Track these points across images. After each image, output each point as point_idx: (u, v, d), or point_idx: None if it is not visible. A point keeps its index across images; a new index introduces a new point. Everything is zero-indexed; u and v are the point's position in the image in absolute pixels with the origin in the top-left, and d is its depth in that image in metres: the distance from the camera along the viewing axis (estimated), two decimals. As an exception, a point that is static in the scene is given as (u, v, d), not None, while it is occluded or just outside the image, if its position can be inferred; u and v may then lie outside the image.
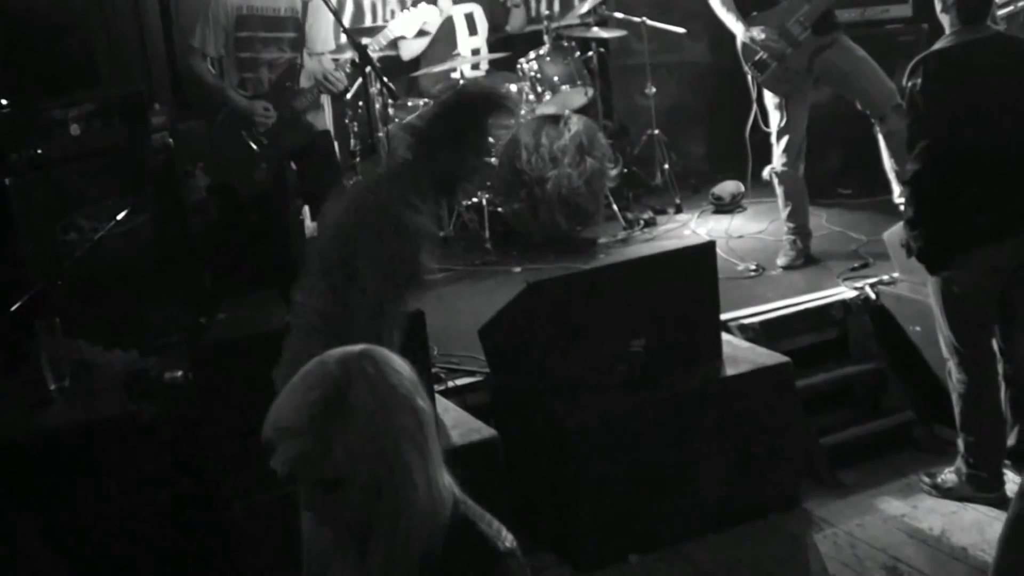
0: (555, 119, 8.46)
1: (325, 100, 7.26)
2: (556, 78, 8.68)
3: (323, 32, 6.90)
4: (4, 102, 6.57)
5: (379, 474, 2.28)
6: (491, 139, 3.48)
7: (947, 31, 5.39)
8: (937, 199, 5.31)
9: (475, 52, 9.28)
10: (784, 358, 5.92)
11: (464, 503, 2.44)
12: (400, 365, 2.38)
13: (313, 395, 2.28)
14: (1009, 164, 5.29)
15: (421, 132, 3.68)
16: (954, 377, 5.60)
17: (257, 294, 7.69)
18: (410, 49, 9.16)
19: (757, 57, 7.36)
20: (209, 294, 7.28)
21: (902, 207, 7.09)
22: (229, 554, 4.89)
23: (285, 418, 2.28)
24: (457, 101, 3.63)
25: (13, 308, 5.82)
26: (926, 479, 5.86)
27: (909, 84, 5.31)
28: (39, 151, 6.44)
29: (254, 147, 6.71)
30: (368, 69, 6.59)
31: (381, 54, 7.93)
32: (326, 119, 7.14)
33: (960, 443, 5.68)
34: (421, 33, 8.95)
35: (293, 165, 7.15)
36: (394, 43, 8.91)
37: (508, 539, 2.42)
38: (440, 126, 3.64)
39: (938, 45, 5.39)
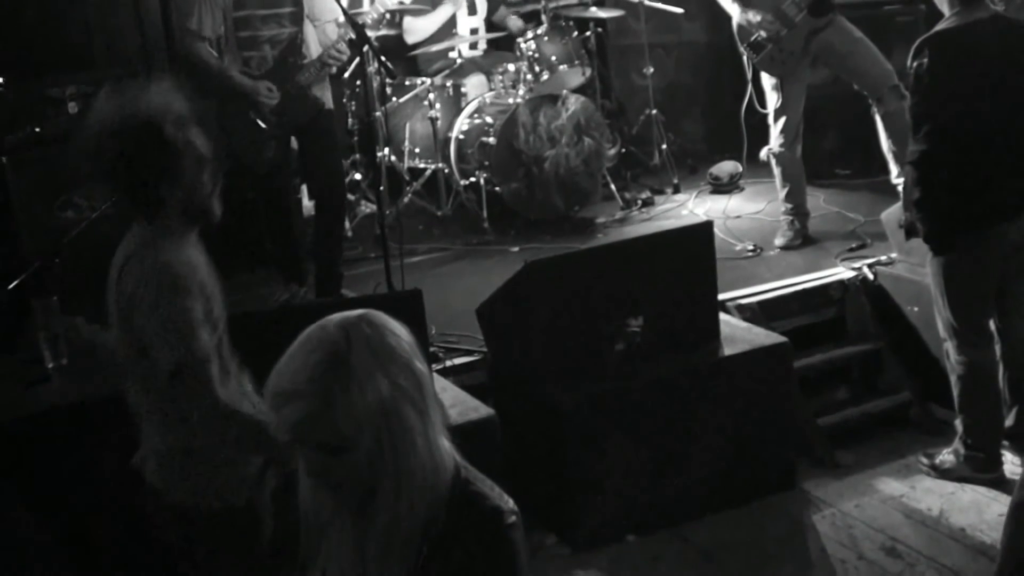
0: (553, 99, 8.45)
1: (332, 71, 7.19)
2: (554, 58, 8.68)
3: (327, 1, 6.84)
4: (1, 81, 6.55)
5: (380, 436, 2.28)
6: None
7: (947, 13, 5.37)
8: (943, 180, 5.30)
9: (473, 32, 9.28)
10: (782, 338, 5.92)
11: (465, 468, 2.46)
12: (399, 329, 2.39)
13: (314, 358, 2.29)
14: (1011, 145, 5.29)
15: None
16: (952, 358, 5.60)
17: (254, 272, 7.72)
18: (415, 32, 9.14)
19: (753, 38, 7.35)
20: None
21: (900, 188, 7.11)
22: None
23: (286, 382, 2.29)
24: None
25: (10, 286, 5.80)
26: (924, 460, 5.87)
27: (914, 64, 5.28)
28: (36, 130, 6.43)
29: (263, 126, 6.68)
30: (366, 48, 6.56)
31: (380, 34, 7.91)
32: (331, 96, 7.09)
33: (958, 424, 5.68)
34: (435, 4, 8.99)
35: (295, 142, 7.12)
36: (399, 21, 8.91)
37: (510, 502, 2.44)
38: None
39: (941, 26, 5.36)
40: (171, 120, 3.51)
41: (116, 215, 3.66)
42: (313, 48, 6.83)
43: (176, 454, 3.64)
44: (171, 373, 3.48)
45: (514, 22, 9.36)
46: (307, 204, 8.22)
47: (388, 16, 7.40)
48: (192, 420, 3.57)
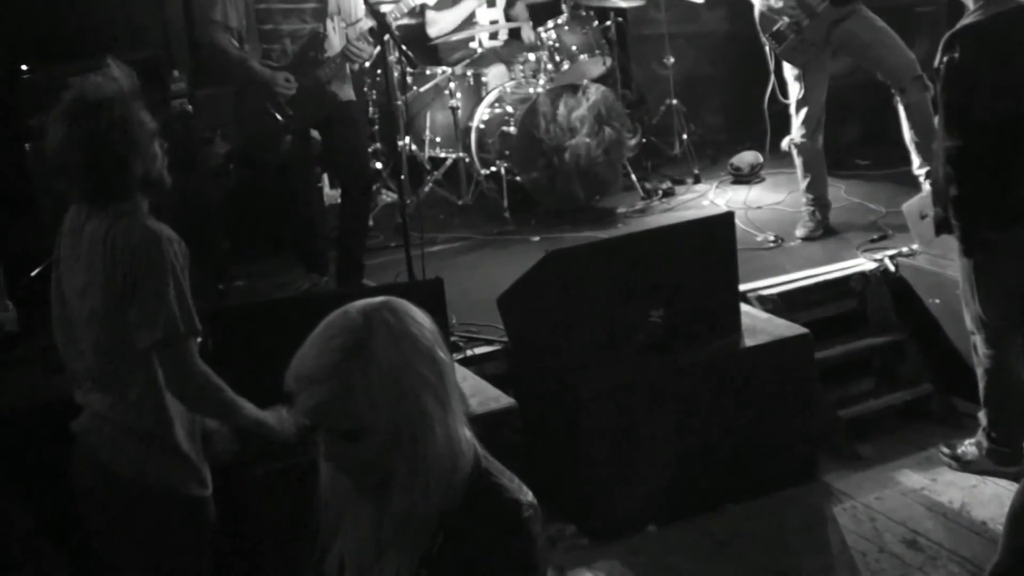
0: (573, 88, 8.44)
1: (355, 68, 7.21)
2: (574, 47, 8.67)
3: (354, 1, 6.85)
4: (24, 68, 6.57)
5: (398, 423, 2.28)
6: None
7: (971, 6, 5.33)
8: (980, 177, 5.25)
9: (493, 23, 9.29)
10: (803, 329, 5.91)
11: (486, 458, 2.45)
12: (421, 317, 2.38)
13: (334, 343, 2.29)
14: None
15: None
16: (980, 352, 5.55)
17: (275, 260, 7.73)
18: (437, 24, 9.15)
19: (775, 28, 7.31)
20: (227, 260, 7.29)
21: (922, 179, 7.09)
22: (247, 520, 4.89)
23: (307, 367, 2.29)
24: None
25: (33, 274, 5.82)
26: (946, 450, 5.85)
27: (945, 59, 5.22)
28: (59, 117, 6.43)
29: (279, 118, 6.68)
30: (387, 37, 6.55)
31: (400, 23, 7.92)
32: (351, 89, 7.09)
33: (982, 417, 5.66)
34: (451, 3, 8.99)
35: (317, 134, 7.12)
36: (421, 11, 8.91)
37: (528, 495, 2.43)
38: None
39: (969, 19, 5.29)
40: (116, 97, 3.65)
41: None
42: (336, 45, 6.83)
43: (135, 428, 3.67)
44: (160, 342, 3.54)
45: (520, 10, 9.43)
46: (329, 193, 8.23)
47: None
48: (159, 393, 3.64)
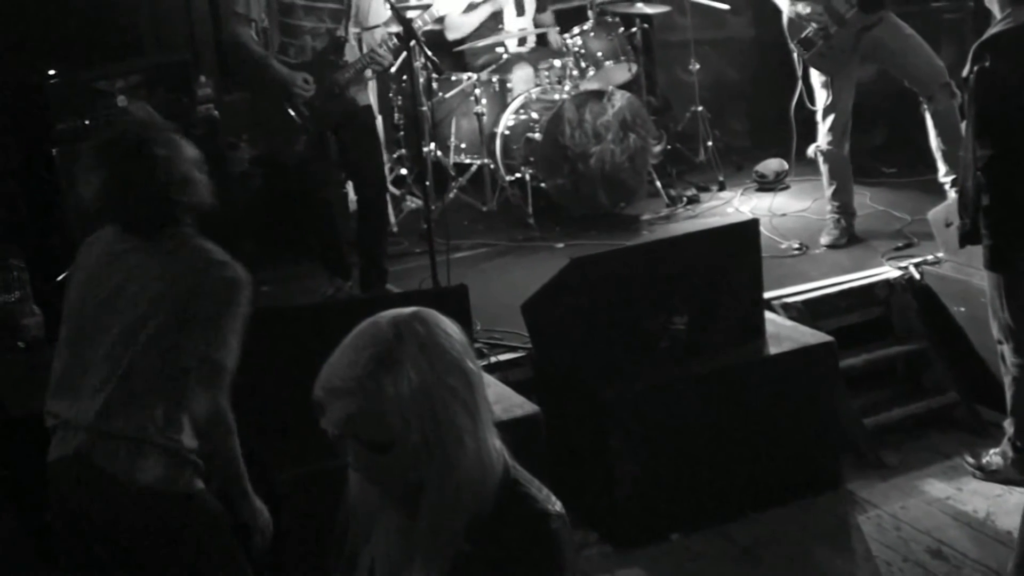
0: (598, 95, 8.44)
1: (369, 76, 7.22)
2: (600, 54, 8.68)
3: (376, 4, 6.87)
4: (52, 73, 6.60)
5: (428, 435, 2.28)
6: None
7: (998, 15, 5.29)
8: (1011, 184, 5.20)
9: (521, 31, 9.29)
10: (828, 337, 5.89)
11: (515, 468, 2.45)
12: (451, 328, 2.38)
13: (364, 354, 2.28)
14: None
15: None
16: (1008, 361, 5.49)
17: (299, 265, 7.75)
18: (457, 29, 9.15)
19: (803, 34, 7.30)
20: (252, 265, 7.30)
21: (947, 187, 7.06)
22: (274, 524, 4.89)
23: (336, 377, 2.29)
24: None
25: (60, 278, 5.84)
26: (970, 459, 5.81)
27: (976, 68, 5.16)
28: (86, 122, 6.46)
29: (295, 118, 6.69)
30: (412, 43, 6.57)
31: (426, 28, 7.96)
32: (369, 95, 7.10)
33: (1008, 426, 5.61)
34: (470, 7, 8.96)
35: (334, 137, 7.14)
36: (441, 19, 8.91)
37: (557, 505, 2.43)
38: None
39: (998, 28, 5.23)
40: (153, 131, 3.78)
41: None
42: (357, 50, 6.85)
43: (152, 439, 3.68)
44: (206, 376, 3.66)
45: (553, 36, 9.42)
46: (353, 199, 8.25)
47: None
48: (181, 408, 3.71)
